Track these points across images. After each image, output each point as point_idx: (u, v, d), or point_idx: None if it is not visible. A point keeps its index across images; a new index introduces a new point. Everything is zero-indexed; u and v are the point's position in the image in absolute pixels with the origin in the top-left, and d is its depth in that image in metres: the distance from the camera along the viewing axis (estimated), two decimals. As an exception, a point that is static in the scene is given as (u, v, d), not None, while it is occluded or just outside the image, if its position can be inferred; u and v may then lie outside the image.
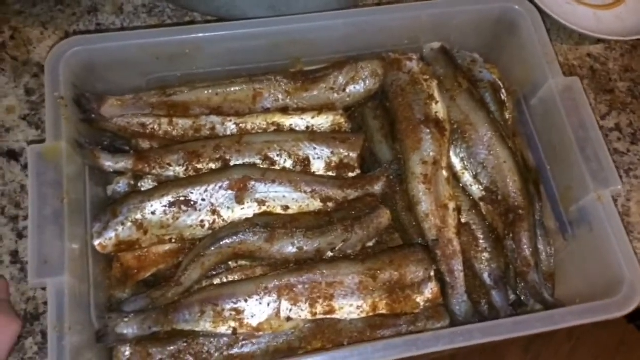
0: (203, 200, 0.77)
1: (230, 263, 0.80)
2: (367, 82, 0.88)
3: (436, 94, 0.86)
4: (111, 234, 0.75)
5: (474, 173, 0.87)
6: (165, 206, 0.76)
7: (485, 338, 0.68)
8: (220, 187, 0.78)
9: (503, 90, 0.92)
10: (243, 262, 0.80)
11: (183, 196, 0.77)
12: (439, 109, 0.86)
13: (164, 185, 0.78)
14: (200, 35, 0.81)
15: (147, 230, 0.76)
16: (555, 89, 0.82)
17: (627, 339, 2.40)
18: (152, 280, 0.80)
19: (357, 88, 0.88)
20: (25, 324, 0.80)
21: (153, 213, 0.76)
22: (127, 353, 0.73)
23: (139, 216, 0.76)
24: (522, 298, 0.85)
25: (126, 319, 0.73)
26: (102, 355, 0.74)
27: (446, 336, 0.68)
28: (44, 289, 0.81)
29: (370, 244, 0.83)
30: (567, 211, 0.82)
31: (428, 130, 0.84)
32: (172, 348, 0.72)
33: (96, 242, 0.75)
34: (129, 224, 0.76)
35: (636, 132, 1.04)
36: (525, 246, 0.82)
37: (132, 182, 0.83)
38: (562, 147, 0.82)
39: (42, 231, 0.69)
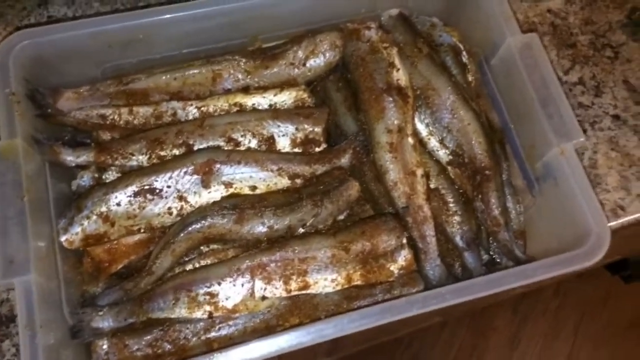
0: (168, 187, 0.77)
1: (202, 248, 0.79)
2: (327, 54, 0.87)
3: (397, 62, 0.86)
4: (77, 229, 0.74)
5: (440, 138, 0.87)
6: (130, 196, 0.75)
7: (458, 299, 0.69)
8: (185, 173, 0.77)
9: (464, 53, 0.91)
10: (215, 246, 0.79)
11: (147, 185, 0.76)
12: (400, 76, 0.85)
13: (127, 175, 0.77)
14: (153, 18, 0.79)
15: (113, 222, 0.75)
16: (514, 47, 0.82)
17: (613, 291, 2.46)
18: (125, 272, 0.80)
19: (317, 61, 0.87)
20: (1, 326, 0.80)
21: (118, 204, 0.75)
22: (105, 346, 0.73)
23: (104, 209, 0.75)
24: (495, 257, 0.86)
25: (101, 313, 0.73)
26: (79, 352, 0.74)
27: (419, 300, 0.69)
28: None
29: (342, 217, 0.83)
30: (533, 168, 0.83)
31: (391, 99, 0.84)
32: (148, 337, 0.72)
33: (62, 238, 0.74)
34: (95, 217, 0.75)
35: (599, 85, 1.04)
36: (494, 206, 0.82)
37: (97, 175, 0.82)
38: (524, 104, 0.82)
39: (6, 231, 0.68)
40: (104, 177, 0.82)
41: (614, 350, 2.36)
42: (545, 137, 0.78)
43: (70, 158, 0.78)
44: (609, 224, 0.93)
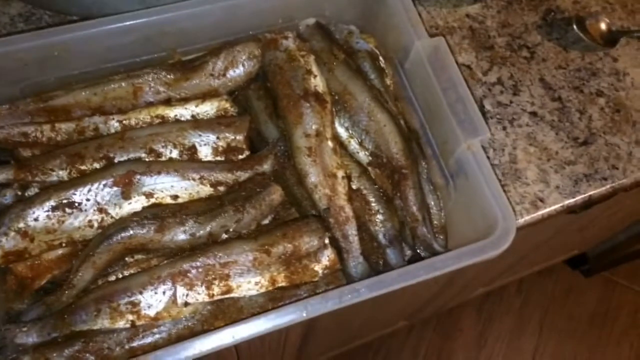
0: (87, 200, 0.77)
1: (126, 258, 0.80)
2: (246, 64, 0.89)
3: (314, 68, 0.89)
4: (-5, 246, 0.75)
5: (359, 140, 0.90)
6: (48, 211, 0.76)
7: (372, 292, 0.71)
8: (105, 185, 0.78)
9: (380, 58, 0.95)
10: (139, 256, 0.80)
11: (65, 199, 0.77)
12: (317, 82, 0.88)
13: (45, 190, 0.78)
14: (67, 35, 0.81)
15: (33, 237, 0.76)
16: (422, 51, 0.86)
17: (575, 285, 2.53)
18: (50, 287, 0.80)
19: (237, 72, 0.89)
20: None
21: (36, 219, 0.76)
22: (28, 361, 0.73)
23: (21, 224, 0.75)
24: (419, 252, 0.88)
25: (24, 329, 0.73)
26: (5, 368, 0.73)
27: (335, 296, 0.71)
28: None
29: (266, 221, 0.85)
30: (447, 164, 0.87)
31: (308, 104, 0.86)
32: (70, 350, 0.72)
33: (-19, 256, 0.74)
34: (12, 233, 0.75)
35: (517, 84, 1.09)
36: (412, 202, 0.85)
37: (19, 193, 0.82)
38: (435, 105, 0.86)
39: None
40: (27, 194, 0.82)
41: (579, 342, 2.43)
42: (454, 135, 0.82)
43: (-12, 177, 0.79)
44: (530, 216, 0.98)
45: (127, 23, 0.82)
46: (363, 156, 0.90)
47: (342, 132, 0.90)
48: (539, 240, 1.60)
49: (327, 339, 1.82)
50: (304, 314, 0.69)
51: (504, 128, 1.05)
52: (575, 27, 1.11)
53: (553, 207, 1.00)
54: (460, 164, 0.83)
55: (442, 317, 2.41)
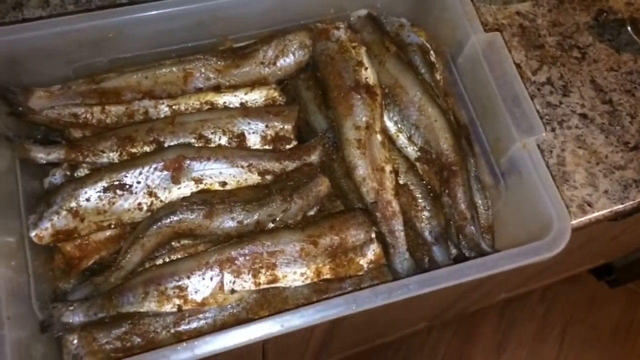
0: (138, 182, 0.77)
1: (173, 243, 0.80)
2: (297, 54, 0.89)
3: (365, 60, 0.88)
4: (47, 224, 0.75)
5: (408, 135, 0.88)
6: (100, 192, 0.76)
7: (422, 289, 0.70)
8: (155, 169, 0.78)
9: (431, 52, 0.94)
10: (186, 241, 0.80)
11: (117, 180, 0.77)
12: (368, 74, 0.87)
13: (97, 171, 0.78)
14: (121, 18, 0.80)
15: (83, 217, 0.76)
16: (477, 46, 0.84)
17: (599, 295, 2.48)
18: (97, 267, 0.80)
19: (287, 61, 0.89)
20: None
21: (88, 200, 0.76)
22: (75, 341, 0.74)
23: (73, 204, 0.76)
24: (465, 252, 0.87)
25: (71, 308, 0.74)
26: (50, 346, 0.74)
27: (384, 291, 0.70)
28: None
29: (312, 212, 0.84)
30: (499, 163, 0.85)
31: (359, 96, 0.85)
32: (118, 331, 0.73)
33: (32, 234, 0.75)
34: (64, 212, 0.75)
35: (567, 85, 1.07)
36: (461, 200, 0.84)
37: (68, 173, 0.83)
38: (488, 101, 0.84)
39: (-27, 226, 0.68)
40: (75, 174, 0.83)
41: (601, 354, 2.38)
42: (509, 133, 0.80)
43: (40, 155, 0.79)
44: (578, 220, 0.96)
45: (181, 7, 0.81)
46: (411, 151, 0.88)
47: (390, 126, 0.89)
48: (571, 247, 1.57)
49: (350, 337, 1.81)
50: (354, 307, 0.68)
51: (553, 129, 1.02)
52: (629, 28, 1.09)
53: (601, 212, 0.97)
54: (514, 162, 0.81)
55: (462, 320, 2.38)
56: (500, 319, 2.42)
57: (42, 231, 0.75)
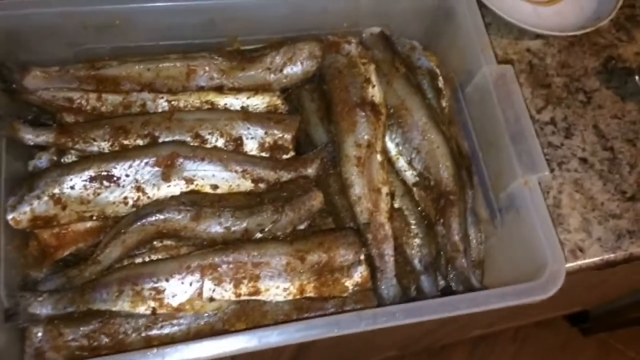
0: (127, 176, 0.75)
1: (155, 242, 0.77)
2: (305, 63, 0.87)
3: (373, 78, 0.86)
4: (26, 208, 0.72)
5: (409, 158, 0.87)
6: (86, 181, 0.73)
7: (408, 319, 0.68)
8: (147, 163, 0.75)
9: (440, 78, 0.92)
10: (168, 242, 0.77)
11: (105, 171, 0.74)
12: (375, 92, 0.85)
13: (86, 159, 0.75)
14: (131, 5, 0.78)
15: (65, 205, 0.73)
16: (488, 76, 0.83)
17: (571, 342, 2.46)
18: (72, 259, 0.77)
19: (295, 69, 0.87)
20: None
21: (72, 187, 0.73)
22: (39, 334, 0.70)
23: (56, 190, 0.72)
24: (452, 284, 0.85)
25: (40, 299, 0.70)
26: (13, 337, 0.70)
27: (369, 317, 0.67)
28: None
29: (302, 226, 0.82)
30: (497, 198, 0.83)
31: (363, 113, 0.84)
32: (85, 328, 0.69)
33: (9, 216, 0.71)
34: (46, 198, 0.72)
35: (570, 127, 1.06)
36: (455, 231, 0.82)
37: (55, 158, 0.80)
38: (493, 133, 0.83)
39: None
40: (63, 160, 0.80)
41: (570, 401, 2.35)
42: (512, 168, 0.79)
43: (29, 136, 0.76)
44: (568, 265, 0.95)
45: (194, 3, 0.80)
46: (410, 175, 0.87)
47: (391, 147, 0.87)
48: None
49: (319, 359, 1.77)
50: (336, 330, 0.66)
51: (552, 170, 1.01)
52: (637, 78, 1.09)
53: (592, 259, 0.96)
54: (513, 199, 0.79)
55: (433, 352, 2.35)
56: (470, 355, 2.40)
57: (21, 215, 0.72)
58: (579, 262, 0.96)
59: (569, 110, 1.08)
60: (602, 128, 1.07)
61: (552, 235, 0.74)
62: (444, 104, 0.92)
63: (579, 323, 2.42)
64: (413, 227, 0.85)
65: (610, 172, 1.03)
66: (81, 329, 0.69)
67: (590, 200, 1.00)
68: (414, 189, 0.87)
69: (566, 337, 2.46)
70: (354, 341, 1.56)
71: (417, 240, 0.84)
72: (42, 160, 0.79)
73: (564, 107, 1.08)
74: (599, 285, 1.74)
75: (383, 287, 0.80)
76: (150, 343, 0.70)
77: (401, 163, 0.87)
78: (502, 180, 0.82)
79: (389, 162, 0.86)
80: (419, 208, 0.86)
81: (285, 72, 0.86)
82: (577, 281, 1.42)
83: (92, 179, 0.73)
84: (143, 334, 0.70)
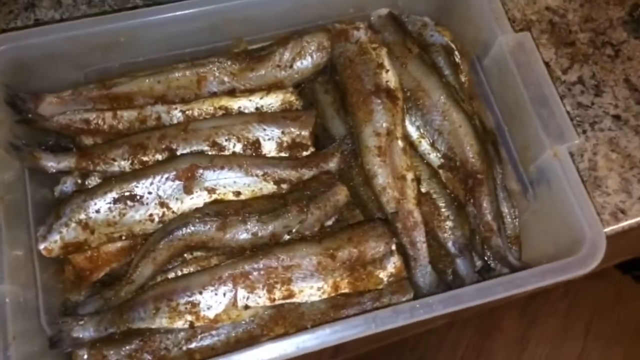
0: (150, 193, 0.75)
1: (185, 255, 0.77)
2: (314, 56, 0.85)
3: (386, 62, 0.83)
4: (56, 237, 0.73)
5: (431, 140, 0.84)
6: (110, 203, 0.74)
7: (447, 309, 0.66)
8: (167, 179, 0.75)
9: (456, 52, 0.89)
10: (198, 253, 0.78)
11: (128, 191, 0.74)
12: (389, 77, 0.83)
13: (107, 181, 0.76)
14: (133, 21, 0.78)
15: (93, 229, 0.74)
16: (505, 46, 0.79)
17: (624, 290, 2.41)
18: (108, 279, 0.78)
19: (305, 63, 0.85)
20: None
21: (97, 211, 0.74)
22: (85, 357, 0.72)
23: (82, 216, 0.73)
24: (490, 263, 0.83)
25: (81, 322, 0.72)
26: (62, 362, 0.72)
27: (406, 310, 0.66)
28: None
29: (330, 222, 0.81)
30: (527, 171, 0.80)
31: (379, 101, 0.81)
32: (128, 347, 0.71)
33: (41, 246, 0.73)
34: (73, 224, 0.73)
35: (599, 84, 1.01)
36: (487, 211, 0.80)
37: (80, 181, 0.81)
38: (517, 105, 0.79)
39: (-22, 242, 0.66)
40: (87, 182, 0.81)
41: (627, 350, 2.31)
42: (539, 139, 0.76)
43: (51, 164, 0.77)
44: (610, 228, 0.91)
45: (194, 10, 0.78)
46: (434, 158, 0.84)
47: (412, 131, 0.85)
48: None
49: (368, 336, 1.78)
50: (373, 327, 0.65)
51: (584, 132, 0.97)
52: (667, 23, 1.02)
53: (635, 220, 0.92)
54: (543, 171, 0.76)
55: (483, 315, 2.33)
56: (522, 315, 2.37)
57: (51, 244, 0.73)
58: (622, 224, 0.92)
59: (597, 66, 1.02)
60: (634, 81, 1.02)
61: (587, 206, 0.71)
62: (462, 79, 0.89)
63: (631, 270, 2.37)
64: (443, 210, 0.83)
65: (647, 127, 0.98)
66: (124, 348, 0.71)
67: (628, 159, 0.96)
68: (440, 171, 0.84)
69: (619, 286, 2.40)
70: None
71: (448, 223, 0.82)
72: (68, 185, 0.80)
73: (591, 63, 1.03)
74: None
75: (419, 275, 0.79)
76: (192, 356, 0.71)
77: (424, 146, 0.85)
78: (530, 152, 0.78)
79: (411, 146, 0.84)
80: (448, 190, 0.84)
81: (295, 67, 0.85)
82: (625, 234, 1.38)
83: (115, 201, 0.74)
84: (184, 348, 0.71)
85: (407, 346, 2.28)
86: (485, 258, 0.83)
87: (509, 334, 2.35)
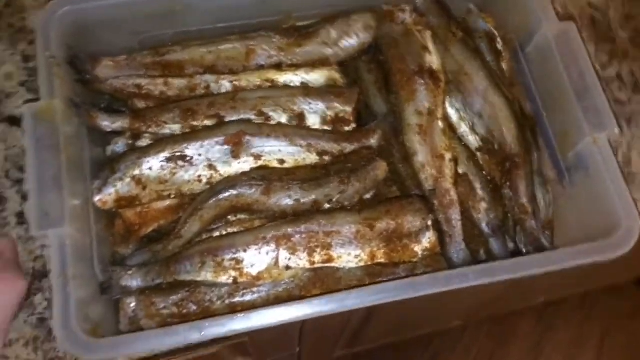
0: (199, 155, 0.78)
1: (229, 217, 0.81)
2: (360, 35, 0.87)
3: (430, 45, 0.86)
4: (110, 190, 0.77)
5: (471, 124, 0.86)
6: (162, 162, 0.77)
7: (481, 279, 0.68)
8: (216, 143, 0.79)
9: (499, 39, 0.91)
10: (242, 216, 0.81)
11: (179, 152, 0.78)
12: (433, 59, 0.85)
13: (160, 141, 0.79)
14: (191, -10, 0.81)
15: (145, 185, 0.77)
16: (549, 35, 0.81)
17: (641, 306, 2.39)
18: (155, 235, 0.81)
19: (351, 42, 0.88)
20: (34, 281, 0.82)
21: (150, 169, 0.77)
22: (132, 304, 0.75)
23: (136, 172, 0.77)
24: (521, 247, 0.85)
25: (130, 272, 0.75)
26: (108, 307, 0.76)
27: (442, 278, 0.69)
28: (50, 247, 0.83)
29: (368, 196, 0.84)
30: (565, 157, 0.82)
31: (422, 81, 0.84)
32: (175, 297, 0.74)
33: (96, 198, 0.77)
34: (128, 179, 0.77)
35: (638, 81, 1.02)
36: (522, 193, 0.82)
37: (130, 142, 0.84)
38: (558, 93, 0.81)
39: (42, 188, 0.70)
40: (137, 144, 0.84)
41: (643, 363, 2.29)
42: (579, 127, 0.78)
43: (106, 123, 0.81)
44: (640, 223, 0.92)
45: (252, -18, 0.81)
46: (473, 140, 0.87)
47: (452, 113, 0.87)
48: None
49: (384, 327, 1.80)
50: (411, 291, 0.68)
51: (620, 127, 0.98)
52: None
53: (665, 219, 0.93)
54: (582, 158, 0.78)
55: (497, 320, 2.33)
56: (537, 323, 2.36)
57: (106, 196, 0.77)
58: (651, 221, 0.93)
59: (636, 64, 1.04)
60: (672, 80, 1.03)
61: (624, 192, 0.73)
62: (504, 66, 0.91)
63: (650, 288, 2.35)
64: (479, 191, 0.85)
65: (682, 126, 0.99)
66: (171, 298, 0.74)
67: (662, 157, 0.97)
68: (478, 153, 0.87)
69: (636, 303, 2.38)
70: (418, 311, 1.57)
71: (483, 205, 0.85)
72: (119, 145, 0.84)
73: (630, 61, 1.04)
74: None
75: (453, 252, 0.81)
76: (234, 309, 0.74)
77: (463, 128, 0.87)
78: (570, 139, 0.80)
79: (451, 128, 0.87)
80: (484, 172, 0.86)
81: (341, 45, 0.87)
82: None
83: (167, 160, 0.77)
84: (227, 302, 0.74)
85: (420, 346, 2.29)
86: (517, 241, 0.85)
87: (523, 341, 2.34)
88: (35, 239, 0.84)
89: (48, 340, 0.79)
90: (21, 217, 0.86)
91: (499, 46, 0.91)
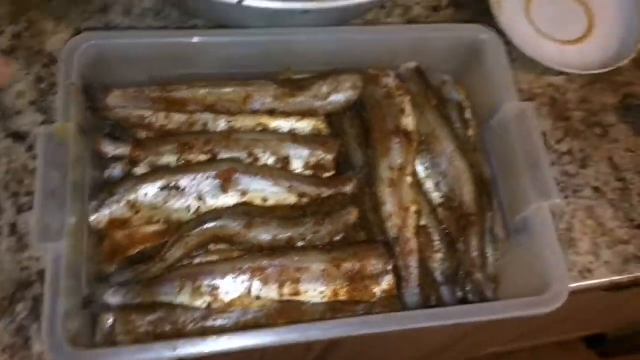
0: (191, 187, 0.87)
1: (210, 246, 0.89)
2: (348, 93, 0.98)
3: (407, 109, 0.97)
4: (106, 212, 0.84)
5: (436, 181, 0.97)
6: (158, 189, 0.85)
7: (430, 322, 0.78)
8: (208, 177, 0.87)
9: (468, 110, 1.03)
10: (222, 246, 0.89)
11: (174, 181, 0.86)
12: (409, 122, 0.96)
13: (158, 170, 0.87)
14: (202, 39, 0.90)
15: (138, 210, 0.85)
16: (510, 112, 0.93)
17: (588, 365, 2.49)
18: (139, 257, 0.88)
19: (339, 98, 0.98)
20: (17, 291, 0.88)
21: (146, 195, 0.85)
22: (110, 320, 0.81)
23: (132, 197, 0.85)
24: (468, 296, 0.95)
25: (112, 289, 0.82)
26: (88, 322, 0.81)
27: (396, 318, 0.78)
28: (37, 259, 0.90)
29: (338, 238, 0.93)
30: (513, 220, 0.93)
31: (397, 140, 0.94)
32: (151, 317, 0.80)
33: (92, 218, 0.84)
34: (124, 203, 0.85)
35: (586, 158, 1.15)
36: (474, 248, 0.92)
37: (127, 168, 0.92)
38: (512, 163, 0.93)
39: (47, 203, 0.77)
40: (133, 171, 0.92)
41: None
42: (526, 195, 0.89)
43: (109, 149, 0.89)
44: (577, 284, 1.04)
45: (256, 38, 0.91)
46: (436, 196, 0.97)
47: (421, 170, 0.98)
48: (568, 311, 1.63)
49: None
50: (367, 329, 0.76)
51: (567, 197, 1.11)
52: (652, 115, 1.17)
53: (599, 280, 1.05)
54: (527, 222, 0.89)
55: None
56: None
57: (101, 217, 0.84)
58: (587, 283, 1.05)
59: (586, 142, 1.17)
60: (616, 160, 1.16)
61: (559, 257, 0.84)
62: (470, 133, 1.02)
63: (597, 346, 2.46)
64: (436, 243, 0.95)
65: (621, 202, 1.12)
66: (148, 317, 0.80)
67: (601, 227, 1.09)
68: (439, 209, 0.97)
69: (583, 359, 2.49)
70: (373, 351, 1.65)
71: (439, 255, 0.94)
72: (117, 170, 0.91)
73: (582, 139, 1.17)
74: (613, 309, 1.79)
75: (408, 295, 0.90)
76: (205, 333, 0.81)
77: (429, 185, 0.98)
78: (518, 205, 0.91)
79: (417, 184, 0.97)
80: (443, 226, 0.96)
81: (330, 100, 0.97)
82: (590, 302, 1.50)
83: (163, 188, 0.85)
84: (199, 325, 0.81)
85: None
86: (465, 291, 0.95)
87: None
88: (24, 251, 0.91)
89: (25, 349, 0.85)
90: (14, 228, 0.92)
91: (468, 115, 1.03)
